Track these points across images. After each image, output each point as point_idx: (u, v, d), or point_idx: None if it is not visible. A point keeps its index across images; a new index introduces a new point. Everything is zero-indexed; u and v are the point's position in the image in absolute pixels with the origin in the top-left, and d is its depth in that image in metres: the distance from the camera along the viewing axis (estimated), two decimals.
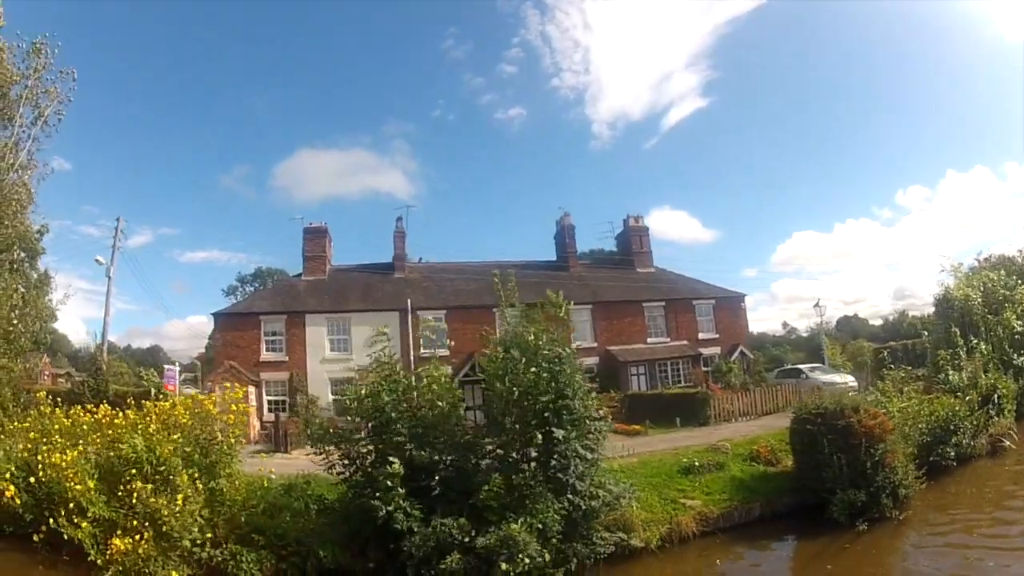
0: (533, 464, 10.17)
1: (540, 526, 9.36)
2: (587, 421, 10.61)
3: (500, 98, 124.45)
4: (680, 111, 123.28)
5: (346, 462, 10.84)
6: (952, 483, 14.38)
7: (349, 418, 10.67)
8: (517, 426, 10.22)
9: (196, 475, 10.50)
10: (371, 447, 10.50)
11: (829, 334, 39.02)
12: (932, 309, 24.80)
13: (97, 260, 31.12)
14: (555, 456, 10.15)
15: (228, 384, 12.77)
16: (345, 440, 10.69)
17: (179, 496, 10.04)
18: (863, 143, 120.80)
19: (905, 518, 12.01)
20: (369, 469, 10.34)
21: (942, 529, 11.70)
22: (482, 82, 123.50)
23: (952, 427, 15.30)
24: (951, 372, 18.60)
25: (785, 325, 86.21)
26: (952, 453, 14.94)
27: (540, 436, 10.07)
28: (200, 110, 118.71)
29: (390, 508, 9.45)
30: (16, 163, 15.41)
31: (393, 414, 10.23)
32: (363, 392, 10.74)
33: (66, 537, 9.83)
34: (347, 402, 10.86)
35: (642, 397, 26.12)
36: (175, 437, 10.81)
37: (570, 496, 10.13)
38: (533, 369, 10.43)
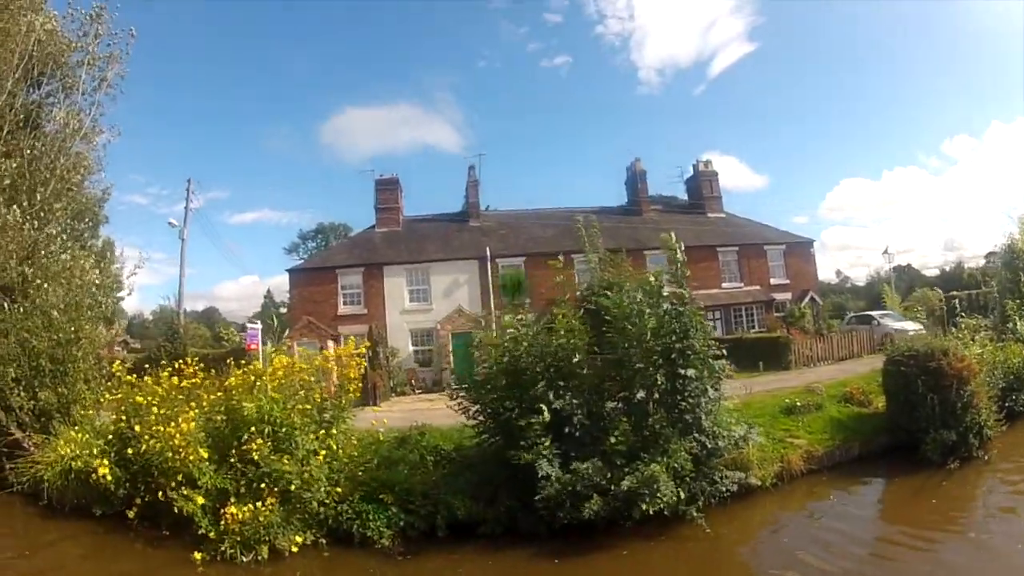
0: (656, 405, 10.26)
1: (676, 466, 9.54)
2: (710, 360, 10.67)
3: (545, 47, 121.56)
4: (726, 57, 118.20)
5: (477, 408, 10.91)
6: None
7: (483, 364, 10.79)
8: (648, 369, 10.25)
9: (314, 433, 10.52)
10: (506, 394, 10.37)
11: (889, 282, 38.36)
12: (984, 261, 24.43)
13: (170, 223, 32.10)
14: (683, 395, 10.28)
15: (352, 338, 13.03)
16: (481, 388, 10.76)
17: (320, 454, 10.10)
18: (909, 88, 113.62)
19: (990, 458, 12.27)
20: (502, 414, 10.28)
21: None
22: (526, 31, 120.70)
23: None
24: (1019, 322, 18.70)
25: (839, 273, 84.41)
26: None
27: (662, 377, 10.11)
28: (240, 73, 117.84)
29: (533, 455, 9.50)
30: (81, 130, 15.09)
31: (530, 359, 10.30)
32: (502, 339, 10.82)
33: (176, 509, 9.40)
34: (489, 351, 10.88)
35: (722, 341, 25.89)
36: (301, 395, 10.91)
37: (696, 435, 10.26)
38: (649, 311, 10.50)
